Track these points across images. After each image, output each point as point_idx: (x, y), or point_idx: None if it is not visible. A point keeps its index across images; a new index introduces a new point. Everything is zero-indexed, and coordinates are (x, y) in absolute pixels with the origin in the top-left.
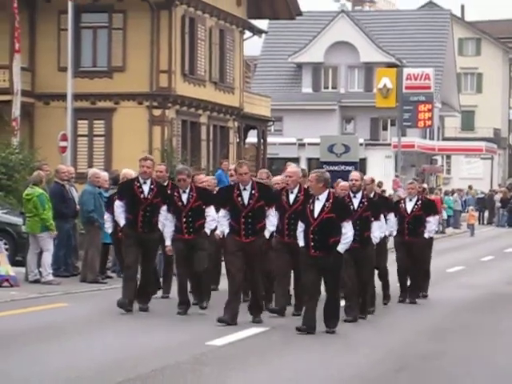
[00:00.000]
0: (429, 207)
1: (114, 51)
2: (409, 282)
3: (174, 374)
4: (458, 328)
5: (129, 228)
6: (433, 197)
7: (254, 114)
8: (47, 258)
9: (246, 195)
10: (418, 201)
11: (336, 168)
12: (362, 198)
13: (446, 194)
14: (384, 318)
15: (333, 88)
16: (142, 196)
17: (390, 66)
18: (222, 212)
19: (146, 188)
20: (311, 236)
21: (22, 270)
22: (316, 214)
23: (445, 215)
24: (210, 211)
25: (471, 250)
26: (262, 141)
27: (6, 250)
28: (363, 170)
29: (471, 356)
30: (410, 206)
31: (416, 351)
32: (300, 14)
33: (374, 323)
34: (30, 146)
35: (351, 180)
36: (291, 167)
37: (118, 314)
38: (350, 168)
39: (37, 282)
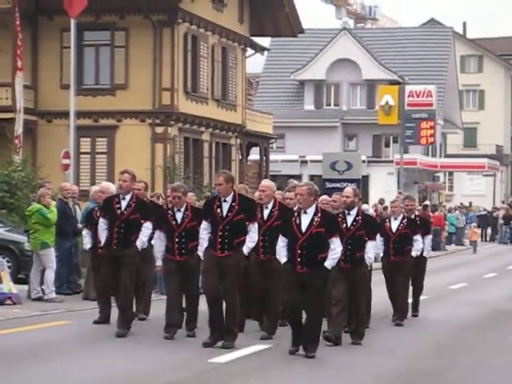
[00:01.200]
0: (416, 225)
1: (116, 69)
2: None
3: None
4: (462, 345)
5: (105, 247)
6: (436, 214)
7: (257, 132)
8: (50, 275)
9: (225, 207)
10: (403, 219)
11: (338, 185)
12: (357, 215)
13: (450, 211)
14: (386, 335)
15: (335, 105)
16: (118, 212)
17: (392, 83)
18: (204, 224)
19: (123, 203)
20: (299, 251)
21: (25, 287)
22: (304, 228)
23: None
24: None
25: (474, 266)
26: (264, 158)
27: (9, 267)
28: (365, 187)
29: (475, 373)
30: (395, 225)
31: (420, 368)
32: (302, 31)
33: (375, 341)
34: (32, 164)
35: (343, 196)
36: (264, 181)
37: None
38: (352, 185)
39: (39, 299)
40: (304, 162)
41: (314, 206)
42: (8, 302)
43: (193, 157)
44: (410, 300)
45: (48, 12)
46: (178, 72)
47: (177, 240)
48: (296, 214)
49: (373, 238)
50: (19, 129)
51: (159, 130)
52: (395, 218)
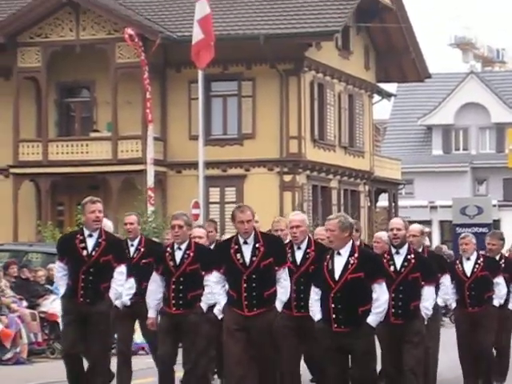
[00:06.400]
0: (495, 265)
1: (243, 118)
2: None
3: None
4: None
5: (67, 299)
6: None
7: (385, 178)
8: None
9: (247, 251)
10: (478, 258)
11: (469, 230)
12: (408, 253)
13: None
14: None
15: (464, 149)
16: (84, 253)
17: None
18: (215, 276)
19: (90, 242)
20: (332, 305)
21: None
22: (338, 275)
23: None
24: (210, 279)
25: None
26: (393, 204)
27: None
28: None
29: None
30: (468, 267)
31: None
32: (429, 76)
33: None
34: (163, 215)
35: (391, 229)
36: (296, 214)
37: None
38: (483, 230)
39: None
40: (433, 208)
41: (350, 244)
42: (141, 352)
43: (321, 204)
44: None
45: (176, 64)
46: (304, 120)
47: (173, 287)
48: (328, 256)
49: (431, 283)
50: (150, 180)
51: (287, 178)
52: (468, 259)
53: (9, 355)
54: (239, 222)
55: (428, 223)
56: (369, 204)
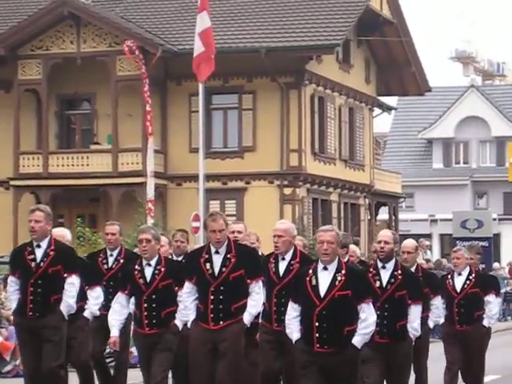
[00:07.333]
0: (488, 282)
1: (244, 131)
2: None
3: None
4: None
5: (17, 314)
6: None
7: (385, 191)
8: None
9: (217, 260)
10: (470, 274)
11: (469, 244)
12: (395, 269)
13: None
14: None
15: (464, 163)
16: (32, 265)
17: None
18: (187, 287)
19: (39, 253)
20: (316, 324)
21: None
22: (323, 292)
23: None
24: (182, 292)
25: None
26: (393, 217)
27: None
28: (497, 246)
29: None
30: (459, 283)
31: None
32: (429, 89)
33: None
34: (163, 227)
35: (379, 242)
36: (281, 222)
37: None
38: (484, 243)
39: None
40: (434, 221)
41: (337, 259)
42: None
43: (321, 217)
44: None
45: (176, 77)
46: (305, 133)
47: (145, 306)
48: (310, 271)
49: (417, 302)
50: (150, 193)
51: (287, 191)
52: (459, 274)
53: (8, 368)
54: (211, 232)
55: (428, 236)
56: (369, 217)
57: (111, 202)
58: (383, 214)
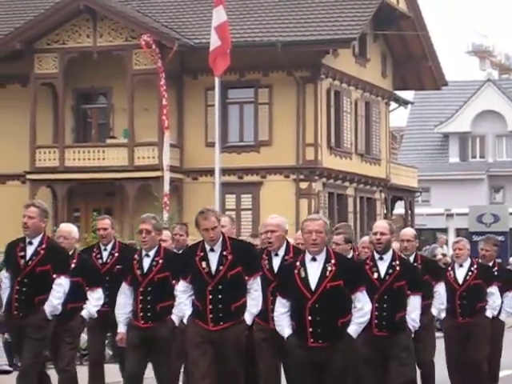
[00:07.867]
0: (489, 273)
1: (260, 126)
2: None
3: None
4: None
5: (6, 312)
6: None
7: (401, 185)
8: None
9: (213, 259)
10: (471, 265)
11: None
12: (393, 260)
13: None
14: None
15: (480, 157)
16: (21, 262)
17: None
18: (182, 285)
19: (29, 251)
20: (309, 318)
21: None
22: (314, 284)
23: None
24: (178, 288)
25: None
26: (409, 212)
27: None
28: None
29: None
30: (461, 274)
31: None
32: (446, 84)
33: None
34: (179, 222)
35: (375, 234)
36: (272, 217)
37: None
38: (500, 238)
39: None
40: (450, 216)
41: (325, 249)
42: None
43: (337, 212)
44: None
45: (193, 71)
46: (321, 127)
47: (141, 298)
48: (298, 263)
49: (417, 293)
50: (166, 187)
51: (303, 185)
52: (460, 265)
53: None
54: (204, 230)
55: (444, 231)
56: (385, 212)
57: (127, 196)
58: (399, 208)
